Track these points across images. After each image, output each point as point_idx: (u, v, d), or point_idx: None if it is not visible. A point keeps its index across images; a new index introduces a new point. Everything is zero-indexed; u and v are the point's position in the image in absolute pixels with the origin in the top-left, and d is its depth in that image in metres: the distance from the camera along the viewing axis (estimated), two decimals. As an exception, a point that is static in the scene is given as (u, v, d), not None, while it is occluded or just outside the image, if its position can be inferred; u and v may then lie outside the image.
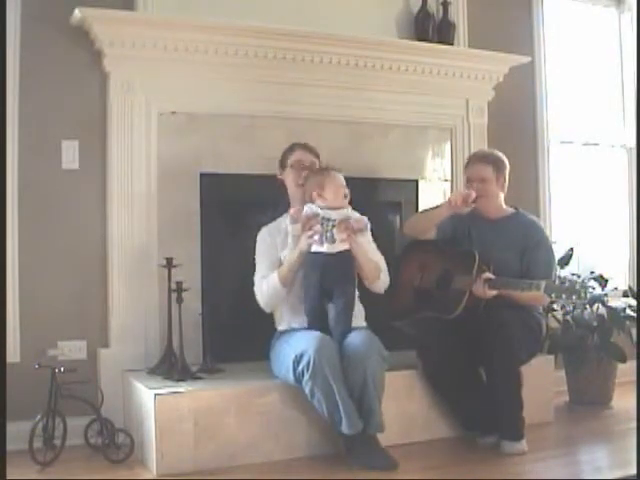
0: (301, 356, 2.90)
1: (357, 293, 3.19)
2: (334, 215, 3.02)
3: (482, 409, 3.22)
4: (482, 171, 3.42)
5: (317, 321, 3.07)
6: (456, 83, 4.04)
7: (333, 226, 3.00)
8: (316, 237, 3.00)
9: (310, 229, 3.01)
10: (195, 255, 3.50)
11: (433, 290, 3.38)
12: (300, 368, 2.90)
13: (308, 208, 3.05)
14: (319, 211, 3.03)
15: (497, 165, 3.45)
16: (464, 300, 3.20)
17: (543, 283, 3.07)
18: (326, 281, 3.04)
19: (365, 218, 3.07)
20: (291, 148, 3.34)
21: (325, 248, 3.01)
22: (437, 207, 3.48)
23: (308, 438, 3.09)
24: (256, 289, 3.20)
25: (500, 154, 3.49)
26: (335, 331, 3.04)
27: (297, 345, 2.97)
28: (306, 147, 3.33)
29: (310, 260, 3.05)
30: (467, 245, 3.43)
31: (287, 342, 3.08)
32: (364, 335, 3.04)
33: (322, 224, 3.01)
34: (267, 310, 3.21)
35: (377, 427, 2.96)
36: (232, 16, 3.48)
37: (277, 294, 3.14)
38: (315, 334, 2.97)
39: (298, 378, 2.93)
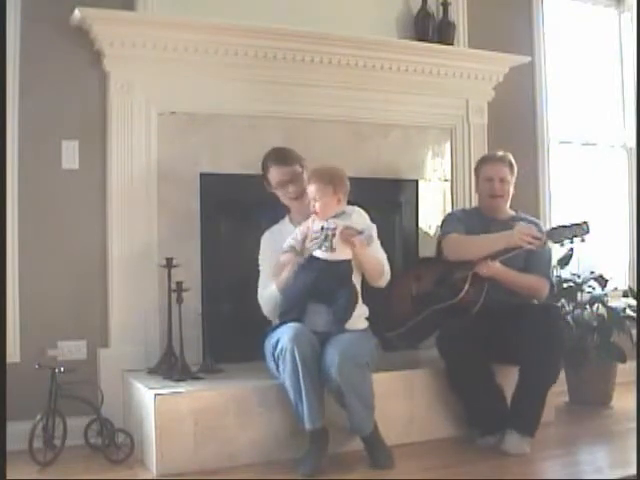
0: (277, 342, 2.95)
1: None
2: (332, 224, 2.97)
3: (491, 408, 3.21)
4: (502, 171, 3.49)
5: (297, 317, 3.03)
6: (456, 83, 4.04)
7: (333, 235, 2.95)
8: (316, 243, 2.97)
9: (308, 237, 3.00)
10: (195, 255, 3.50)
11: (432, 289, 3.38)
12: (276, 354, 2.94)
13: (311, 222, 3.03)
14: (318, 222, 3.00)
15: (511, 167, 3.53)
16: (467, 282, 3.23)
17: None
18: (322, 285, 3.00)
19: (369, 229, 2.99)
20: (265, 163, 3.25)
21: (324, 255, 2.98)
22: (492, 236, 3.32)
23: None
24: (259, 297, 3.21)
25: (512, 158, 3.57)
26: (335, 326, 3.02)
27: (277, 333, 3.00)
28: (280, 160, 3.21)
29: (308, 262, 3.03)
30: None
31: (272, 333, 3.07)
32: (346, 342, 2.95)
33: (322, 231, 2.97)
34: (270, 317, 3.20)
35: (362, 428, 2.96)
36: (232, 16, 3.48)
37: (277, 303, 3.14)
38: (293, 324, 2.97)
39: (277, 365, 2.96)
